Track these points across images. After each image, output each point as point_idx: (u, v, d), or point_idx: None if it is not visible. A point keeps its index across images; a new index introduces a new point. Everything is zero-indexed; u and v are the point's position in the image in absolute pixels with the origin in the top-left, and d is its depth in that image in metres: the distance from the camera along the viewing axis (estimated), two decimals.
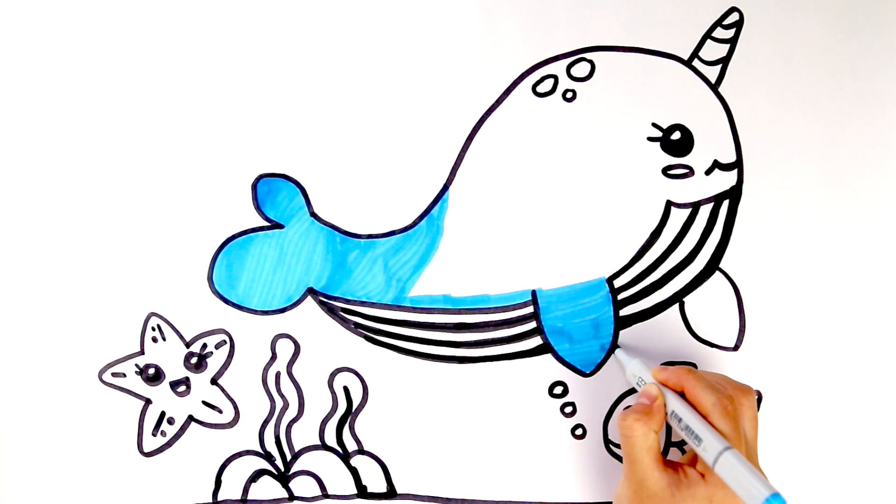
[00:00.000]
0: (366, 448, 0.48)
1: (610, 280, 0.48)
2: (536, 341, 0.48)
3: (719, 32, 0.48)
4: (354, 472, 0.48)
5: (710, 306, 0.48)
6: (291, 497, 0.48)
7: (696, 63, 0.48)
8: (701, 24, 0.48)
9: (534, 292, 0.48)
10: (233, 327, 0.48)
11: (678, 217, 0.48)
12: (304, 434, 0.48)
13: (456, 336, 0.48)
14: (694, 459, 0.42)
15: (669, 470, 0.40)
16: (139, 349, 0.48)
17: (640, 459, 0.40)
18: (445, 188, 0.48)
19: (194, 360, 0.48)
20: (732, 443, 0.38)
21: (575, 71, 0.48)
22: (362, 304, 0.48)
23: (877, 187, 0.48)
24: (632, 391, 0.48)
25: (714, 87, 0.48)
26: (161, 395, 0.48)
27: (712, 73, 0.48)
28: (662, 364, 0.48)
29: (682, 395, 0.41)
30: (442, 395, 0.48)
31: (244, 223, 0.48)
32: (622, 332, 0.48)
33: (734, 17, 0.48)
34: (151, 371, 0.48)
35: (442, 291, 0.48)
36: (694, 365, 0.48)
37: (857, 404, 0.48)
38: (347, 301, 0.48)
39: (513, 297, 0.48)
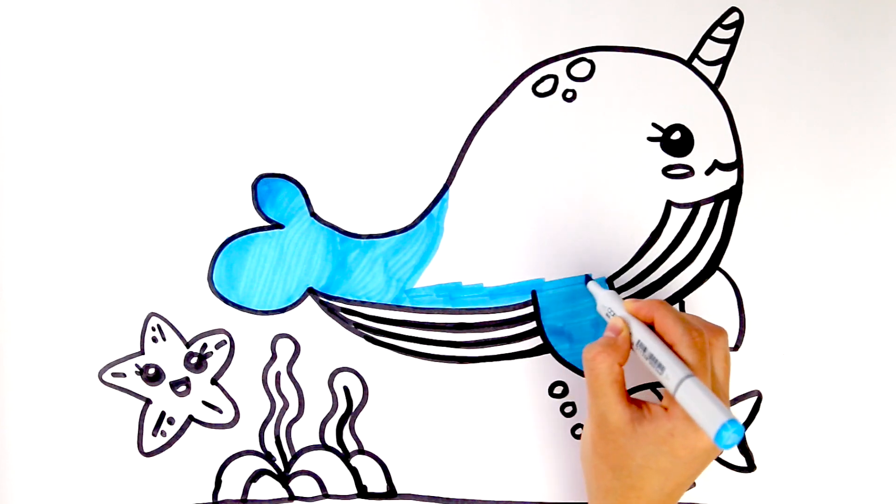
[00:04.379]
0: (366, 448, 0.48)
1: (610, 280, 0.48)
2: (536, 341, 0.48)
3: (719, 32, 0.48)
4: (354, 472, 0.48)
5: (710, 306, 0.48)
6: (291, 497, 0.48)
7: (696, 63, 0.48)
8: (701, 24, 0.48)
9: (534, 292, 0.48)
10: (233, 327, 0.48)
11: (678, 217, 0.48)
12: (304, 434, 0.48)
13: (456, 336, 0.48)
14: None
15: (633, 405, 0.39)
16: (139, 349, 0.48)
17: (603, 393, 0.39)
18: (445, 188, 0.48)
19: (194, 360, 0.48)
20: (698, 374, 0.37)
21: (575, 71, 0.48)
22: (362, 304, 0.48)
23: (877, 187, 0.48)
24: (630, 392, 0.48)
25: (714, 87, 0.48)
26: (161, 395, 0.48)
27: (712, 73, 0.48)
28: None
29: (651, 327, 0.40)
30: (442, 395, 0.48)
31: (244, 223, 0.48)
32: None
33: (734, 17, 0.48)
34: (151, 371, 0.48)
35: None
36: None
37: (857, 404, 0.48)
38: (347, 301, 0.48)
39: (513, 297, 0.48)
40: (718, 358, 0.40)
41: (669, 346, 0.39)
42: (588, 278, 0.47)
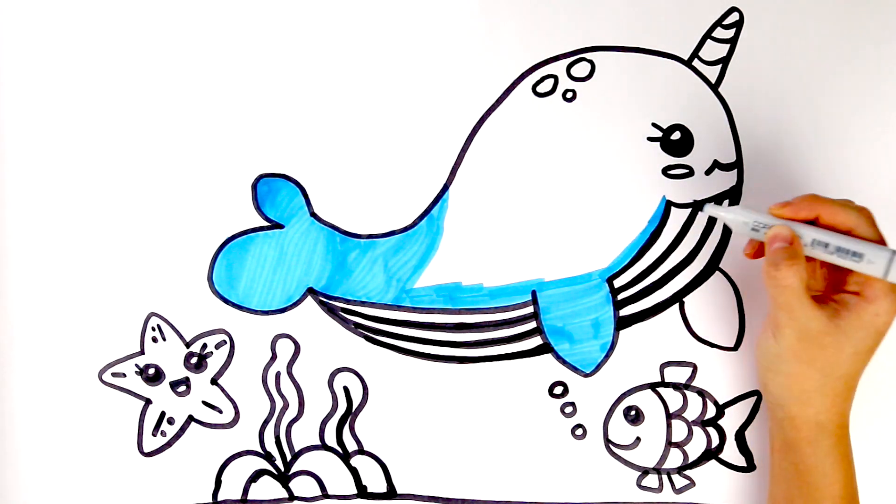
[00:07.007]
0: (366, 448, 0.48)
1: (610, 280, 0.48)
2: (536, 341, 0.48)
3: (719, 32, 0.48)
4: (354, 472, 0.48)
5: (710, 306, 0.48)
6: (291, 497, 0.48)
7: (696, 63, 0.48)
8: (701, 24, 0.48)
9: (534, 292, 0.48)
10: (233, 327, 0.48)
11: (678, 217, 0.48)
12: (304, 434, 0.48)
13: (456, 336, 0.48)
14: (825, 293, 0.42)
15: (821, 304, 0.39)
16: (139, 349, 0.48)
17: (799, 304, 0.39)
18: (445, 188, 0.48)
19: (194, 360, 0.48)
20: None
21: (575, 71, 0.48)
22: (362, 304, 0.48)
23: (877, 187, 0.48)
24: (630, 392, 0.48)
25: (714, 87, 0.48)
26: (161, 395, 0.48)
27: (712, 73, 0.48)
28: (662, 363, 0.48)
29: (811, 223, 0.41)
30: (442, 395, 0.48)
31: (244, 223, 0.48)
32: (622, 332, 0.48)
33: (734, 17, 0.48)
34: (151, 371, 0.48)
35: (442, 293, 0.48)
36: (695, 366, 0.48)
37: (857, 404, 0.48)
38: (347, 301, 0.48)
39: (513, 297, 0.48)
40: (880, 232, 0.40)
41: (847, 234, 0.39)
42: (699, 204, 0.45)
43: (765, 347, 0.42)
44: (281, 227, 0.48)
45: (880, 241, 0.39)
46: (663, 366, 0.48)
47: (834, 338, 0.39)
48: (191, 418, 0.48)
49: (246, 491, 0.48)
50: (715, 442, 0.48)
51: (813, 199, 0.40)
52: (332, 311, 0.48)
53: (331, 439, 0.48)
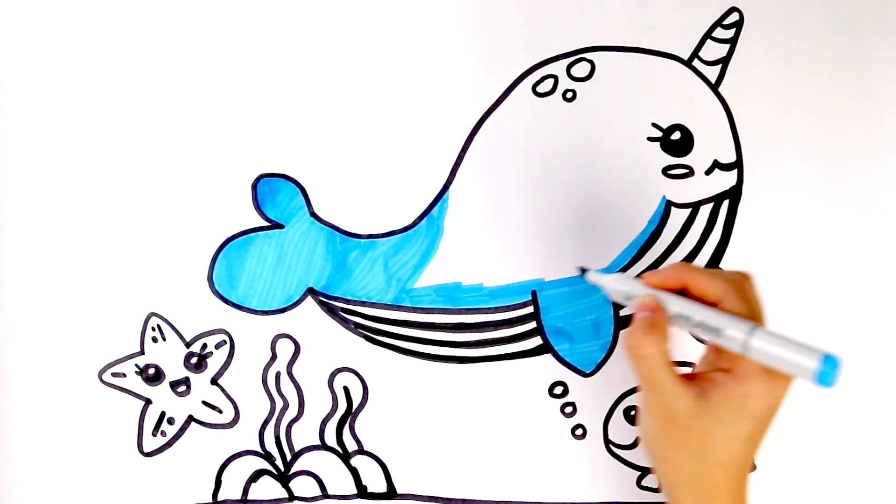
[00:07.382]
0: (366, 448, 0.48)
1: None
2: (536, 341, 0.48)
3: (719, 32, 0.48)
4: (354, 472, 0.48)
5: None
6: (291, 497, 0.48)
7: (696, 63, 0.48)
8: (701, 24, 0.48)
9: (534, 292, 0.48)
10: (233, 327, 0.48)
11: (678, 217, 0.48)
12: (304, 434, 0.48)
13: (456, 336, 0.48)
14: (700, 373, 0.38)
15: (691, 381, 0.36)
16: (139, 349, 0.48)
17: (660, 380, 0.35)
18: (445, 188, 0.48)
19: (194, 360, 0.48)
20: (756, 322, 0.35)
21: (575, 71, 0.48)
22: (362, 304, 0.48)
23: (877, 187, 0.48)
24: (630, 392, 0.48)
25: (714, 87, 0.48)
26: (161, 395, 0.48)
27: (712, 73, 0.48)
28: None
29: (680, 293, 0.38)
30: (442, 395, 0.48)
31: (244, 223, 0.48)
32: (622, 332, 0.48)
33: (734, 17, 0.48)
34: (151, 371, 0.48)
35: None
36: (691, 365, 0.48)
37: (857, 403, 0.48)
38: (347, 301, 0.48)
39: (513, 297, 0.48)
40: (756, 302, 0.37)
41: (714, 307, 0.36)
42: (583, 271, 0.42)
43: (640, 427, 0.38)
44: (281, 227, 0.48)
45: (750, 315, 0.35)
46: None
47: (702, 419, 0.35)
48: (191, 418, 0.48)
49: (246, 491, 0.48)
50: None
51: (682, 269, 0.37)
52: (332, 311, 0.48)
53: (331, 439, 0.48)
